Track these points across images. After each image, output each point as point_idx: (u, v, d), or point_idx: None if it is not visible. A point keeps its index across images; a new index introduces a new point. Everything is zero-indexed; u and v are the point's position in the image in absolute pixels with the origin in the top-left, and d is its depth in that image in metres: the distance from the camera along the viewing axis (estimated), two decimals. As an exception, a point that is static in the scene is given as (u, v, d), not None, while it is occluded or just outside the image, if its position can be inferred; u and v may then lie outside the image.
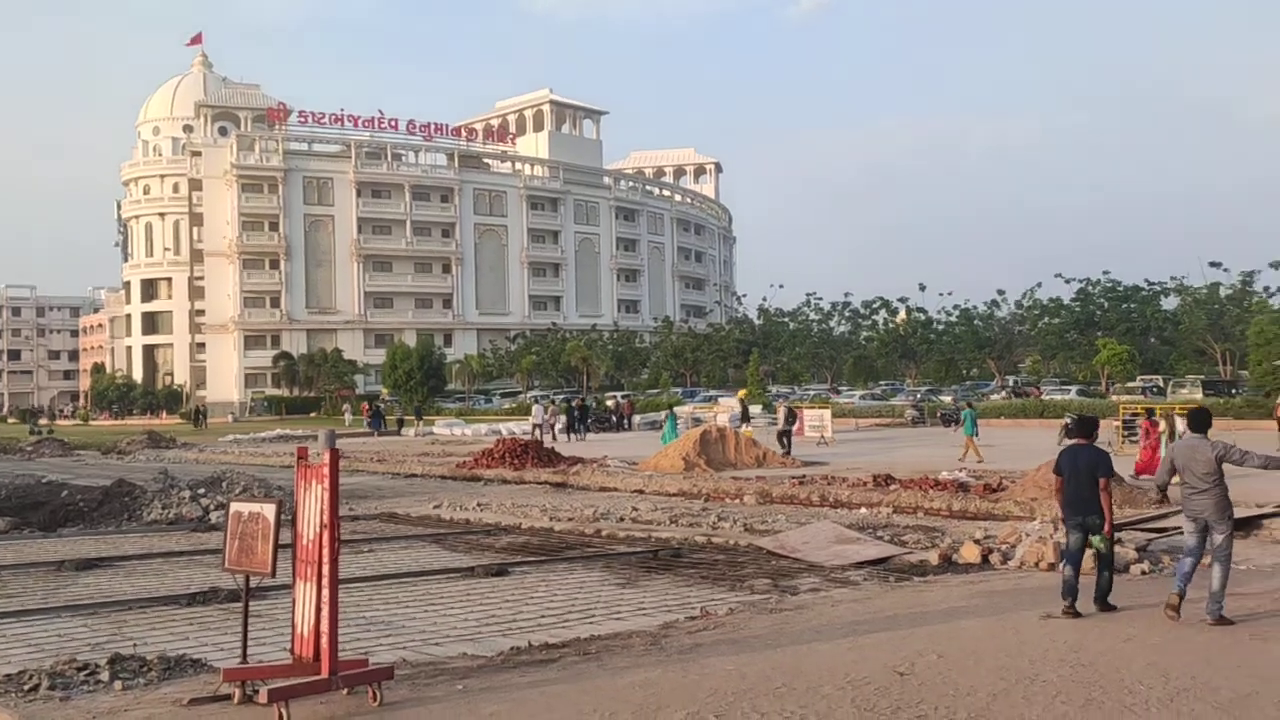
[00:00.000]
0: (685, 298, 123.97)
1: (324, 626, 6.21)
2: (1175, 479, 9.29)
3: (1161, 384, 52.37)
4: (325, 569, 6.22)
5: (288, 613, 6.73)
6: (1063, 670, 7.12)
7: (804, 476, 24.14)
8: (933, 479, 21.47)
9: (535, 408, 48.76)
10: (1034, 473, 20.02)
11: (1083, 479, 9.28)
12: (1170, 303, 66.02)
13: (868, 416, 51.02)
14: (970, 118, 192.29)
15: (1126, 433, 29.76)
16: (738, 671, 7.24)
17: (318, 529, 6.31)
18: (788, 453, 30.05)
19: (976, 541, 13.37)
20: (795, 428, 38.02)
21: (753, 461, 28.15)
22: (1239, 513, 16.80)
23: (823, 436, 36.01)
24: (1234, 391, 46.27)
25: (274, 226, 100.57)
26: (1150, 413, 24.98)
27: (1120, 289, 66.44)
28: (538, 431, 41.30)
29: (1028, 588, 10.72)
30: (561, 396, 56.07)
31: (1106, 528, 9.18)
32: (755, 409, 52.13)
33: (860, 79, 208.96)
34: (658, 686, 6.90)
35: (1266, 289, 61.47)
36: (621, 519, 18.11)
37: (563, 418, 45.27)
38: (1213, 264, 62.18)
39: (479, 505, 20.76)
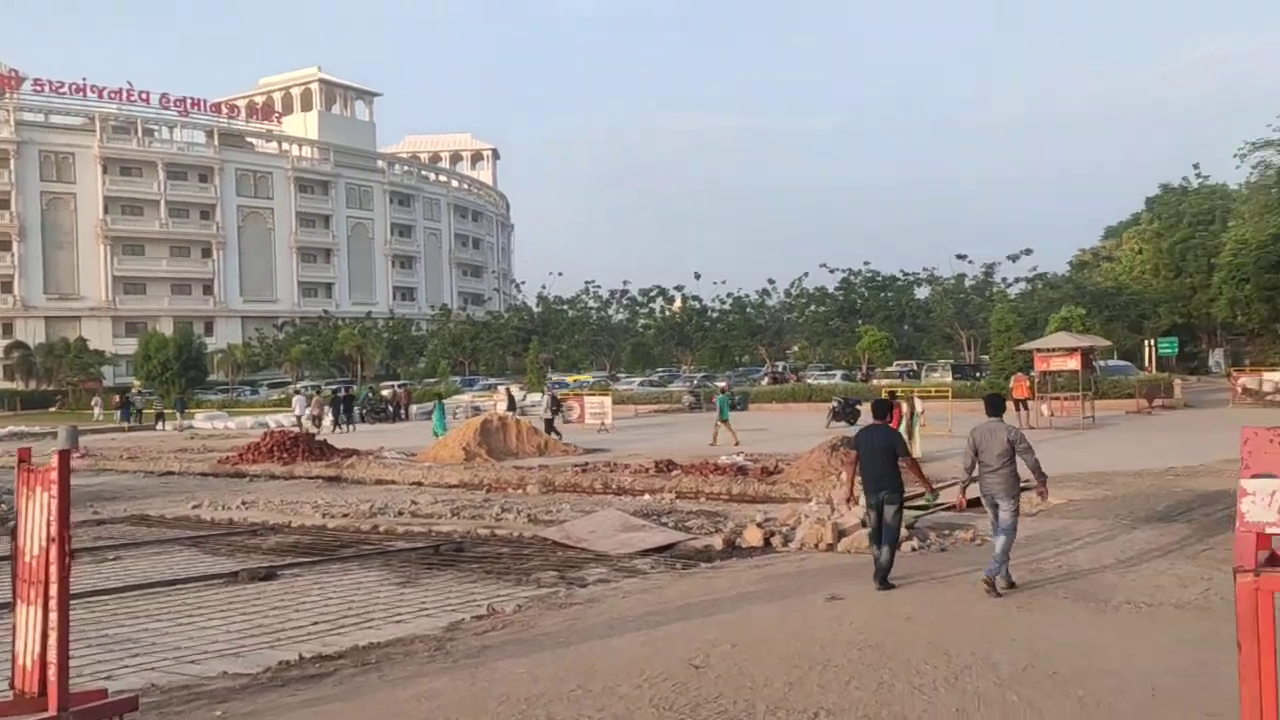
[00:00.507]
0: (463, 285, 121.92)
1: (52, 655, 5.36)
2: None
3: (916, 368, 56.01)
4: (53, 589, 5.37)
5: (6, 640, 5.81)
6: (852, 654, 7.17)
7: (586, 464, 24.01)
8: (713, 464, 21.83)
9: (297, 399, 46.43)
10: (808, 455, 20.72)
11: (878, 457, 9.79)
12: (923, 292, 70.80)
13: (646, 403, 51.75)
14: (738, 115, 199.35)
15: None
16: (529, 675, 6.87)
17: (44, 543, 5.44)
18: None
19: (759, 525, 13.56)
20: (576, 415, 38.14)
21: (535, 450, 27.79)
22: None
23: (603, 424, 36.10)
24: (978, 375, 49.94)
25: (5, 204, 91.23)
26: (893, 395, 26.59)
27: (879, 279, 70.47)
28: (310, 424, 39.34)
29: (810, 569, 10.90)
30: (333, 386, 53.64)
31: (926, 486, 10.41)
32: (535, 397, 52.06)
33: (641, 68, 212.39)
34: (444, 698, 6.43)
35: (1004, 280, 66.94)
36: (400, 513, 17.34)
37: (329, 409, 43.22)
38: (959, 256, 66.95)
39: (244, 504, 19.38)
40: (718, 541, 13.07)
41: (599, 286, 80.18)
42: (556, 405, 34.25)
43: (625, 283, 79.50)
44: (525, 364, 61.41)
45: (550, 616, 8.80)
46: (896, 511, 9.73)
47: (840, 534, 12.64)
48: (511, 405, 39.66)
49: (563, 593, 10.12)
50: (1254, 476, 3.12)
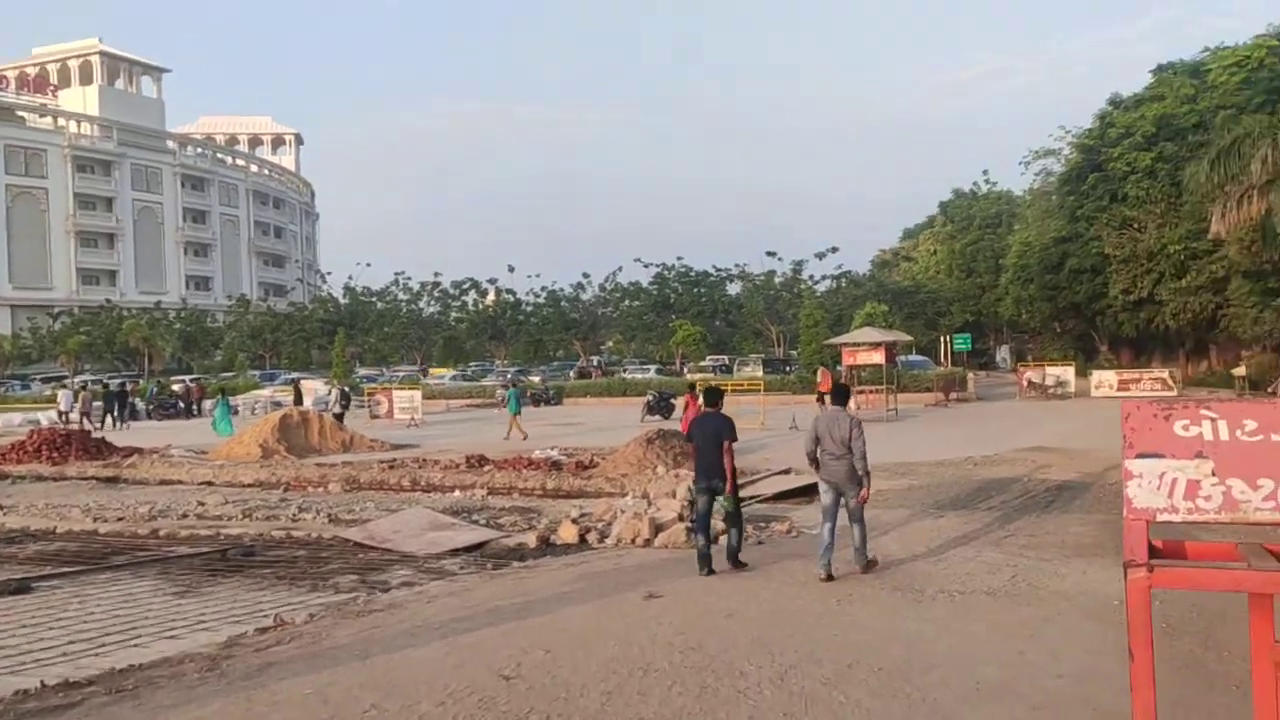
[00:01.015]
0: (264, 275, 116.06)
1: None
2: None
3: (728, 362, 56.97)
4: None
5: None
6: (673, 656, 6.73)
7: (394, 460, 22.93)
8: (526, 458, 21.20)
9: (62, 394, 42.72)
10: (623, 449, 20.40)
11: (710, 444, 9.72)
12: (735, 288, 72.23)
13: (459, 397, 50.51)
14: (553, 106, 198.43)
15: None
16: (317, 695, 6.10)
17: None
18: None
19: (574, 521, 13.06)
20: (385, 410, 36.69)
21: (339, 446, 26.41)
22: (803, 480, 18.23)
23: (413, 419, 34.85)
24: (788, 369, 51.26)
25: None
26: (692, 386, 26.86)
27: (692, 274, 71.44)
28: (85, 420, 36.17)
29: (628, 566, 10.45)
30: (107, 380, 49.61)
31: (729, 488, 9.65)
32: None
33: (450, 57, 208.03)
34: (213, 728, 5.58)
35: (811, 277, 69.22)
36: (184, 515, 15.91)
37: (99, 404, 39.72)
38: (769, 253, 68.72)
39: (2, 508, 17.37)
40: (531, 539, 12.48)
41: (409, 278, 77.89)
42: (346, 400, 32.95)
43: (437, 274, 77.56)
44: (331, 358, 58.80)
45: (346, 626, 7.99)
46: (727, 499, 9.76)
47: (657, 529, 12.28)
48: (299, 401, 37.63)
49: (362, 598, 9.30)
50: (1139, 456, 2.79)
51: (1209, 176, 22.48)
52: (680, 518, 12.54)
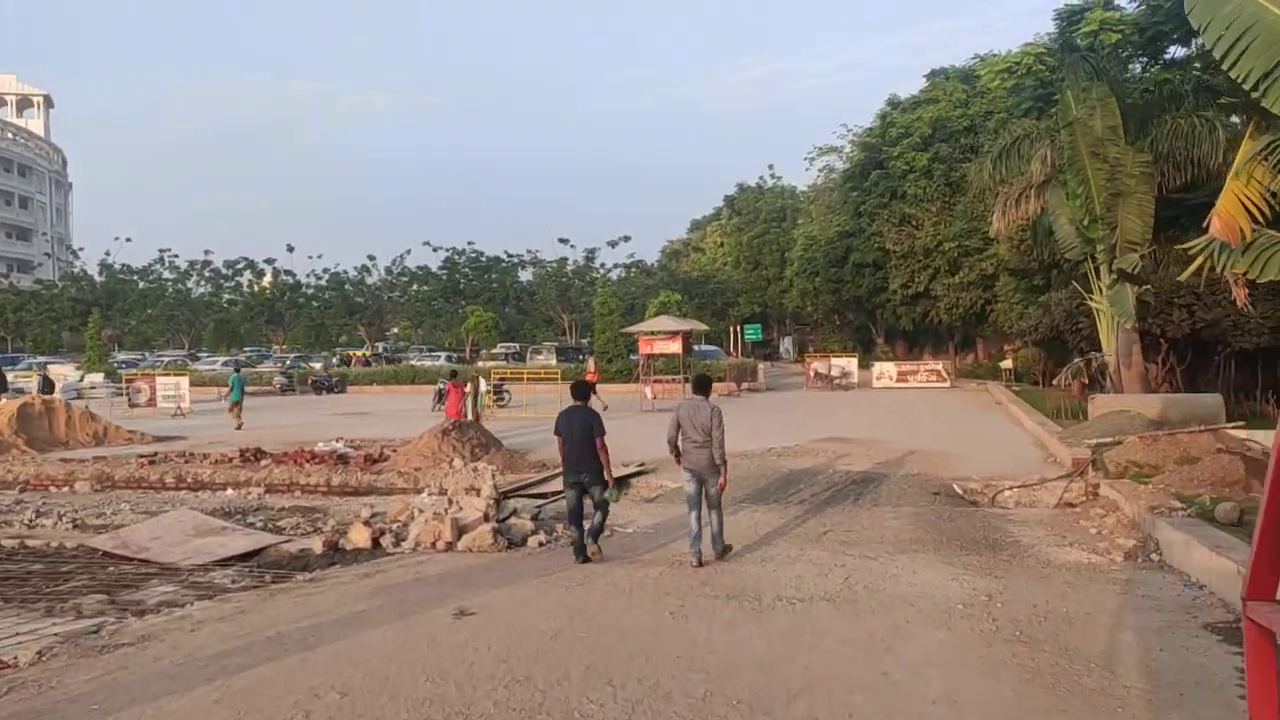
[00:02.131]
0: (7, 249, 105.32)
1: None
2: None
3: (520, 350, 55.88)
4: None
5: None
6: (498, 694, 5.74)
7: (156, 454, 20.57)
8: (309, 451, 19.52)
9: None
10: (416, 440, 19.06)
11: (578, 438, 9.86)
12: (527, 275, 71.10)
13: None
14: (333, 85, 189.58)
15: (496, 397, 30.55)
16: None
17: None
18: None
19: (366, 523, 11.77)
20: (145, 399, 33.47)
21: (90, 439, 23.64)
22: (619, 472, 17.52)
23: (179, 407, 31.94)
24: (582, 357, 50.72)
25: None
26: (454, 374, 26.04)
27: (484, 260, 69.74)
28: None
29: (431, 576, 9.34)
30: None
31: (609, 480, 9.98)
32: (97, 377, 45.57)
33: (224, 31, 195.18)
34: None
35: (603, 265, 69.03)
36: (-111, 525, 13.46)
37: None
38: (562, 240, 68.23)
39: None
40: (317, 544, 11.14)
41: (176, 255, 72.20)
42: (48, 385, 29.95)
43: (208, 252, 72.25)
44: (85, 340, 53.61)
45: (84, 668, 6.51)
46: (602, 488, 9.94)
47: (461, 530, 11.21)
48: (48, 388, 33.85)
49: (109, 626, 7.78)
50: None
51: (991, 174, 23.34)
52: (485, 517, 11.49)
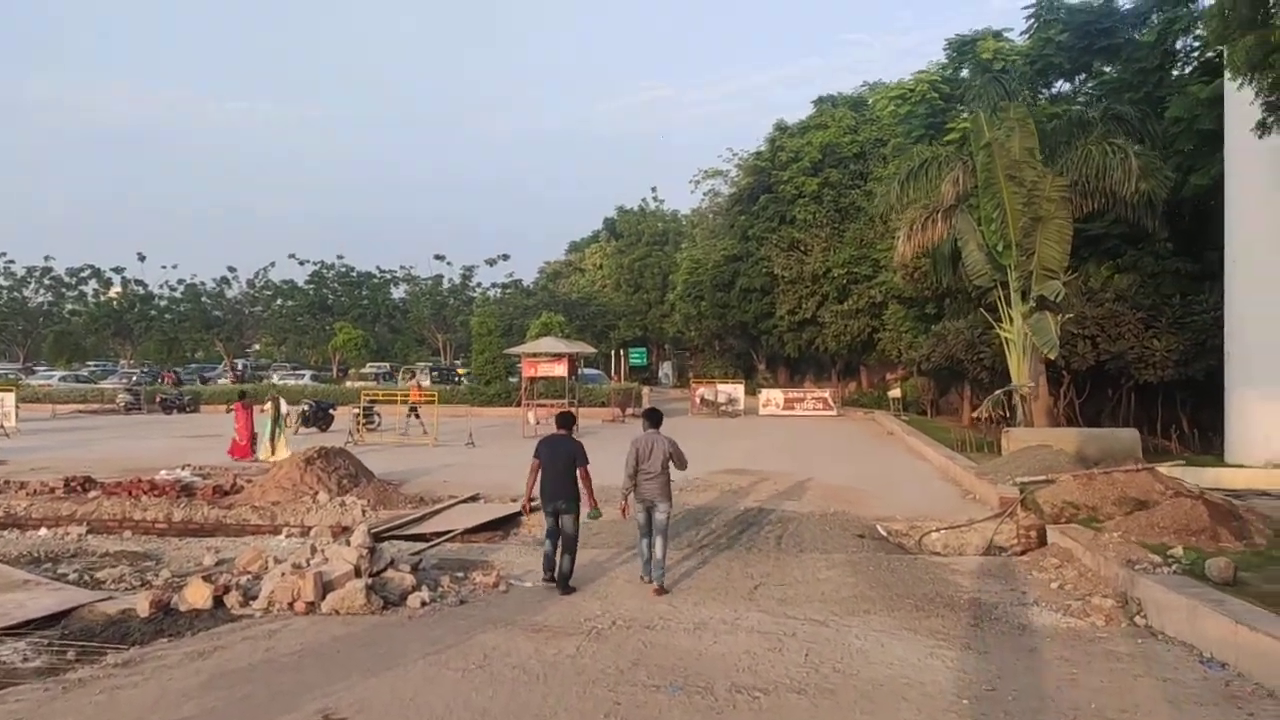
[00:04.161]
0: None
1: None
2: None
3: (391, 370, 53.12)
4: None
5: None
6: None
7: (-38, 483, 17.72)
8: (148, 480, 16.99)
9: None
10: (277, 470, 16.80)
11: (560, 467, 9.94)
12: (400, 292, 68.21)
13: (70, 401, 43.06)
14: (204, 92, 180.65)
15: (365, 420, 28.22)
16: None
17: None
18: None
19: (206, 577, 9.65)
20: (-35, 417, 29.83)
21: (-114, 464, 20.44)
22: (496, 511, 15.66)
23: (1, 426, 28.50)
24: (457, 379, 48.42)
25: None
26: (243, 394, 24.05)
27: (354, 275, 66.51)
28: None
29: (285, 655, 7.36)
30: None
31: (591, 502, 10.00)
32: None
33: (88, 31, 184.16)
34: None
35: (480, 284, 66.74)
36: None
37: None
38: (438, 257, 65.51)
39: None
40: (143, 603, 9.00)
41: (12, 261, 66.45)
42: None
43: (48, 258, 66.70)
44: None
45: None
46: (574, 521, 9.92)
47: (326, 587, 9.24)
48: None
49: None
50: None
51: (899, 196, 22.49)
52: (357, 571, 9.54)
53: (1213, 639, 7.20)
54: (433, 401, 29.14)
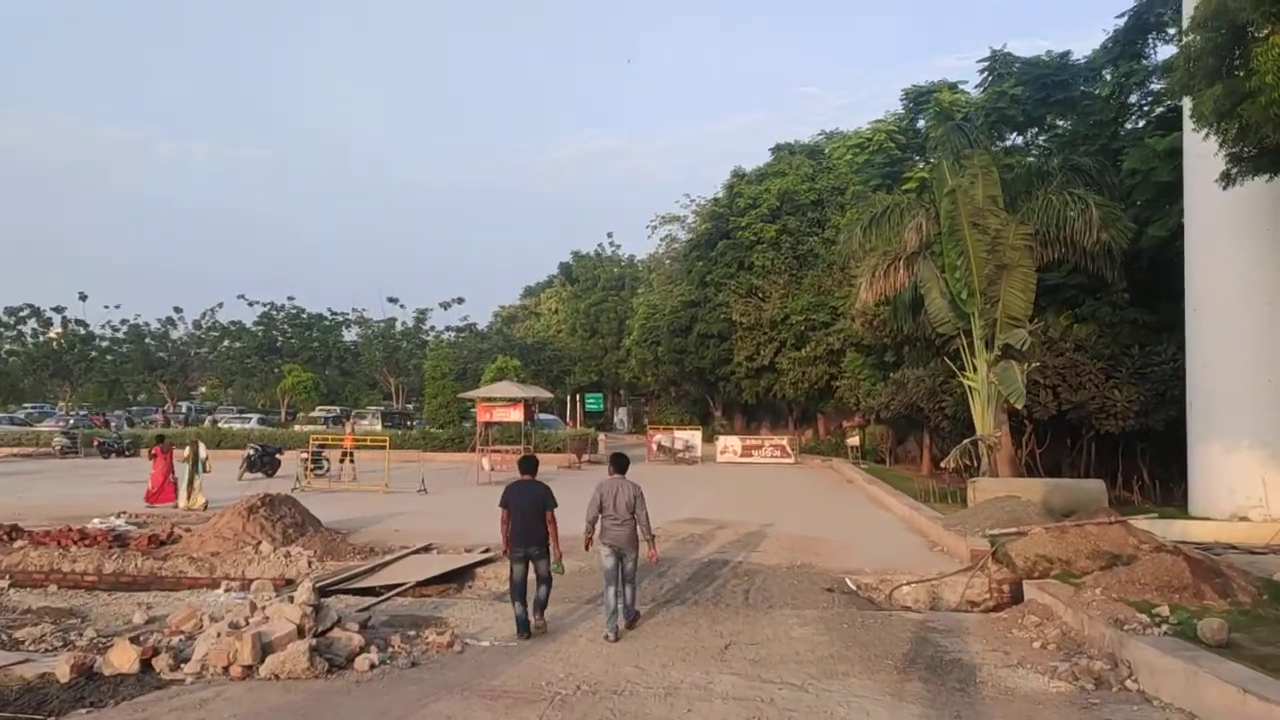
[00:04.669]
0: None
1: None
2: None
3: (342, 414, 51.96)
4: None
5: None
6: None
7: (-122, 533, 16.64)
8: (79, 530, 16.07)
9: None
10: (218, 519, 15.99)
11: (529, 513, 9.88)
12: (352, 334, 67.12)
13: (4, 445, 41.51)
14: (146, 132, 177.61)
15: (314, 466, 27.33)
16: None
17: None
18: None
19: (134, 639, 8.92)
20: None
21: None
22: (450, 563, 14.98)
23: (-71, 471, 27.21)
24: (410, 424, 47.43)
25: None
26: (161, 438, 23.34)
27: (304, 316, 65.32)
28: None
29: (218, 727, 6.70)
30: None
31: (556, 553, 9.97)
32: None
33: (34, 59, 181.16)
34: None
35: (434, 328, 65.92)
36: None
37: None
38: (391, 299, 64.60)
39: None
40: (63, 667, 8.27)
41: (-55, 300, 64.32)
42: None
43: (-14, 298, 64.76)
44: None
45: None
46: (547, 563, 9.94)
47: (266, 649, 8.56)
48: None
49: None
50: None
51: (861, 243, 22.32)
52: (300, 631, 8.87)
53: (1216, 707, 6.80)
54: (384, 446, 28.32)
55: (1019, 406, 17.94)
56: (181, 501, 20.89)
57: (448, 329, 65.87)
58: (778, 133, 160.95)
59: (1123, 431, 21.21)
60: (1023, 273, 18.52)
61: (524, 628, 9.83)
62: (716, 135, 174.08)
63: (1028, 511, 15.51)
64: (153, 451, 22.48)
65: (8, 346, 64.84)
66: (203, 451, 21.64)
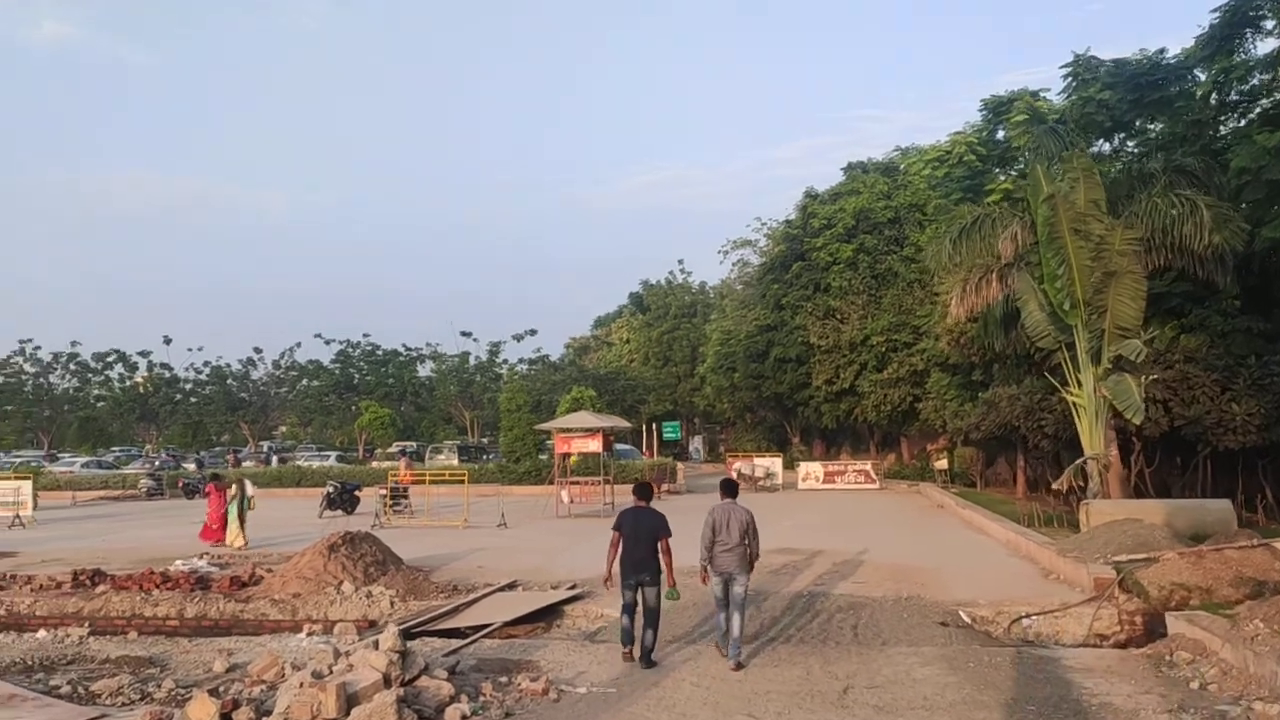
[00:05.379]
0: None
1: None
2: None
3: (418, 449, 51.97)
4: None
5: None
6: None
7: (-34, 578, 16.60)
8: (160, 573, 15.82)
9: None
10: (297, 558, 15.63)
11: (643, 540, 9.77)
12: (426, 369, 67.41)
13: (92, 488, 42.15)
14: (220, 181, 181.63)
15: (393, 502, 27.03)
16: None
17: None
18: None
19: (214, 691, 8.42)
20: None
21: (-110, 557, 19.41)
22: (537, 600, 14.37)
23: (18, 516, 27.50)
24: (486, 457, 47.18)
25: None
26: (217, 476, 23.10)
27: (380, 353, 65.82)
28: None
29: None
30: None
31: (670, 580, 9.73)
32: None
33: (110, 116, 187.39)
34: None
35: (506, 361, 65.92)
36: None
37: None
38: (464, 333, 64.63)
39: None
40: (141, 723, 7.78)
41: (39, 348, 66.08)
42: None
43: (74, 344, 66.32)
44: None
45: None
46: (657, 594, 9.75)
47: (351, 700, 7.97)
48: None
49: None
50: None
51: (950, 256, 21.34)
52: (386, 680, 8.28)
53: None
54: (463, 480, 27.89)
55: (1136, 422, 16.77)
56: (228, 540, 20.79)
57: (520, 361, 65.81)
58: (841, 155, 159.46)
59: (1242, 447, 19.87)
60: (1132, 280, 17.42)
61: (629, 639, 9.89)
62: (780, 161, 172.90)
63: (1153, 535, 14.39)
64: (206, 490, 22.54)
65: (96, 391, 66.35)
66: (249, 489, 21.47)
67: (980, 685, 8.77)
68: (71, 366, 65.71)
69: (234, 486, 21.24)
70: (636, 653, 9.81)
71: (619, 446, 43.86)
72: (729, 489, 10.38)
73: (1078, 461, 17.72)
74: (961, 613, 12.58)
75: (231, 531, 20.85)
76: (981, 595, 13.40)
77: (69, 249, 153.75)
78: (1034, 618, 12.34)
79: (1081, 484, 18.51)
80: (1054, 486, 18.89)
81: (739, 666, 9.51)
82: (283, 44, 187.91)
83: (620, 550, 9.85)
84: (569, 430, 29.27)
